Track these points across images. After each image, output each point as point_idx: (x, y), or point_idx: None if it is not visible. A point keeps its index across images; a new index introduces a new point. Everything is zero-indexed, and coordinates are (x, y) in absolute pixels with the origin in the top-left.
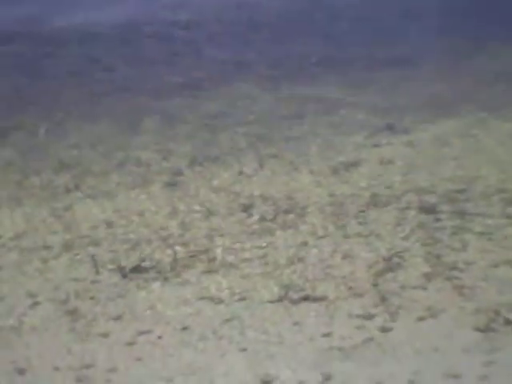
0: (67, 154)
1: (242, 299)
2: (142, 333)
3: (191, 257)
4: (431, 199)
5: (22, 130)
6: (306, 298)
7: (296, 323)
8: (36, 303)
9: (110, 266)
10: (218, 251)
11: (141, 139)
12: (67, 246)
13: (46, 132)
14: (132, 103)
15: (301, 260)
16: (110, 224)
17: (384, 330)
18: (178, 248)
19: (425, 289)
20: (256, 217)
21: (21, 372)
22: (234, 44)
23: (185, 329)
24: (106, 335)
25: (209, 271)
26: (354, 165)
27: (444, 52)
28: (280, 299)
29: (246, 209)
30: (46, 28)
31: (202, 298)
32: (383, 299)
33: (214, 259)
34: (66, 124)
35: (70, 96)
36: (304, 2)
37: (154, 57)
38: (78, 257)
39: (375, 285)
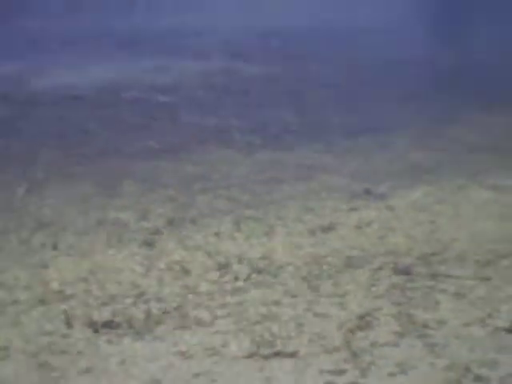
0: (45, 213)
1: (214, 354)
2: None
3: (164, 313)
4: (406, 261)
5: (1, 189)
6: (277, 354)
7: (267, 378)
8: (7, 356)
9: (82, 321)
10: (191, 308)
11: (119, 201)
12: (40, 301)
13: (25, 192)
14: (110, 166)
15: (273, 318)
16: (84, 280)
17: None
18: (151, 304)
19: (396, 346)
20: (230, 276)
21: None
22: (213, 109)
23: (155, 383)
24: None
25: (181, 327)
26: (330, 227)
27: (419, 120)
28: (251, 355)
29: (221, 268)
30: (24, 89)
31: (174, 354)
32: (354, 355)
33: (186, 316)
34: (45, 184)
35: (48, 157)
36: (284, 70)
37: (133, 121)
38: (51, 311)
39: (347, 342)
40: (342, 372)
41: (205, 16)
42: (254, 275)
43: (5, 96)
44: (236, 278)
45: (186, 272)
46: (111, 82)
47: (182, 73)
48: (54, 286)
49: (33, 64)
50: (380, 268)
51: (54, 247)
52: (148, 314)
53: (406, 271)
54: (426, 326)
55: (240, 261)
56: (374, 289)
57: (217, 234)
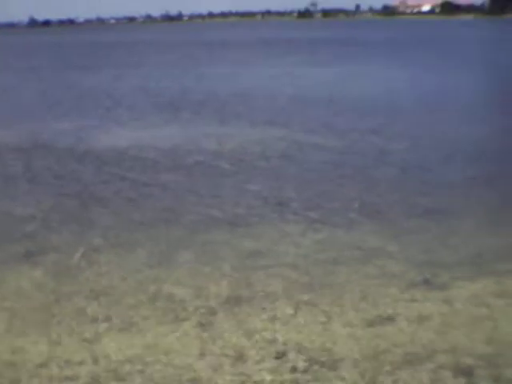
0: (100, 282)
1: None
2: None
3: None
4: (467, 361)
5: (57, 252)
6: None
7: None
8: None
9: None
10: None
11: (175, 273)
12: (93, 379)
13: (81, 256)
14: (169, 234)
15: None
16: (137, 360)
17: None
18: None
19: None
20: (288, 366)
21: None
22: (276, 180)
23: None
24: None
25: None
26: (389, 319)
27: (486, 203)
28: None
29: (278, 356)
30: (84, 146)
31: None
32: None
33: None
34: (102, 250)
35: (106, 221)
36: (349, 144)
37: (194, 187)
38: None
39: None
40: None
41: (265, 82)
42: (311, 367)
43: (65, 152)
44: (294, 369)
45: (242, 358)
46: (172, 144)
47: (247, 139)
48: (107, 364)
49: (90, 121)
50: (440, 367)
51: (108, 320)
52: None
53: (467, 372)
54: None
55: (298, 350)
56: None
57: (274, 319)
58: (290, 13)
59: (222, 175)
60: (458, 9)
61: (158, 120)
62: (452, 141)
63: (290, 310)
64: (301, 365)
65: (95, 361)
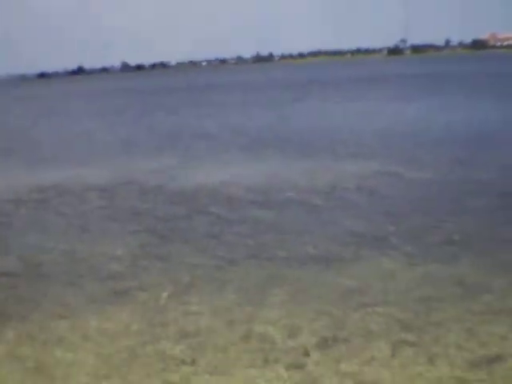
0: (187, 323)
1: None
2: None
3: None
4: None
5: (146, 291)
6: None
7: None
8: None
9: None
10: None
11: (268, 312)
12: None
13: (169, 296)
14: (263, 271)
15: None
16: None
17: None
18: None
19: None
20: None
21: None
22: (372, 215)
23: None
24: None
25: None
26: (496, 359)
27: None
28: None
29: None
30: (180, 185)
31: None
32: None
33: None
34: (191, 288)
35: (196, 259)
36: (437, 180)
37: (287, 224)
38: None
39: None
40: None
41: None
42: None
43: (155, 191)
44: None
45: None
46: (263, 182)
47: (336, 175)
48: None
49: (178, 159)
50: None
51: (193, 363)
52: None
53: None
54: None
55: None
56: None
57: (371, 360)
58: (380, 50)
59: (315, 211)
60: None
61: (244, 157)
62: None
63: (389, 351)
64: None
65: None
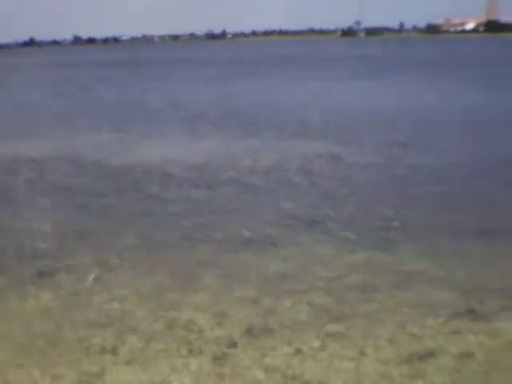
0: (111, 308)
1: None
2: None
3: None
4: None
5: (72, 272)
6: None
7: None
8: None
9: None
10: None
11: (196, 298)
12: None
13: (96, 278)
14: (194, 255)
15: None
16: None
17: None
18: None
19: None
20: None
21: None
22: (311, 198)
23: None
24: None
25: None
26: (429, 355)
27: None
28: None
29: None
30: (115, 161)
31: None
32: None
33: None
34: (119, 271)
35: (127, 240)
36: (388, 160)
37: (226, 205)
38: None
39: None
40: None
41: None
42: None
43: (89, 167)
44: None
45: None
46: (203, 160)
47: (281, 155)
48: None
49: (118, 134)
50: None
51: (114, 352)
52: None
53: None
54: None
55: None
56: None
57: (299, 353)
58: (334, 31)
59: (254, 192)
60: (503, 27)
61: (185, 134)
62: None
63: (317, 344)
64: None
65: None
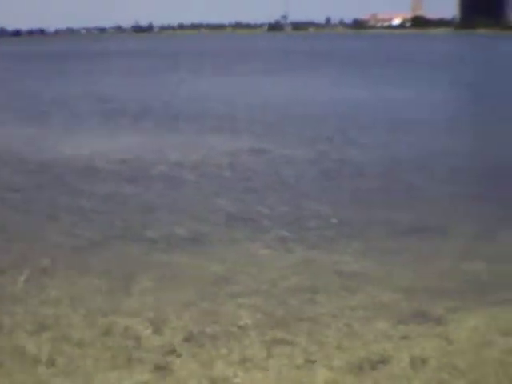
0: (45, 313)
1: None
2: None
3: None
4: None
5: (1, 274)
6: None
7: None
8: None
9: None
10: None
11: (132, 303)
12: None
13: (25, 280)
14: (127, 254)
15: None
16: None
17: None
18: None
19: None
20: None
21: None
22: (244, 194)
23: None
24: None
25: None
26: (380, 362)
27: (477, 221)
28: None
29: None
30: (40, 155)
31: None
32: None
33: None
34: (50, 272)
35: (56, 238)
36: (319, 154)
37: (157, 201)
38: None
39: None
40: None
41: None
42: None
43: (18, 162)
44: None
45: None
46: (133, 155)
47: (209, 150)
48: None
49: (38, 128)
50: None
51: (52, 363)
52: None
53: None
54: None
55: None
56: None
57: (244, 361)
58: (261, 25)
59: (186, 187)
60: (428, 23)
61: (112, 128)
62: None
63: (262, 351)
64: None
65: None
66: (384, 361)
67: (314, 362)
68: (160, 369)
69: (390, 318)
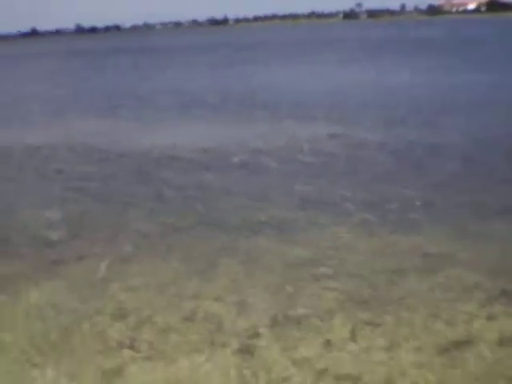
0: (126, 299)
1: None
2: None
3: None
4: None
5: (84, 261)
6: None
7: None
8: None
9: None
10: None
11: (215, 286)
12: None
13: (108, 267)
14: (209, 240)
15: None
16: None
17: None
18: None
19: None
20: None
21: None
22: (327, 179)
23: None
24: None
25: None
26: (466, 343)
27: None
28: None
29: None
30: (126, 148)
31: None
32: None
33: None
34: (133, 259)
35: (139, 226)
36: (395, 143)
37: (239, 188)
38: None
39: None
40: None
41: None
42: None
43: (100, 154)
44: None
45: None
46: (213, 144)
47: (288, 137)
48: None
49: (121, 121)
50: None
51: (132, 346)
52: None
53: None
54: None
55: None
56: None
57: (328, 344)
58: (335, 14)
59: (269, 175)
60: (504, 7)
61: (191, 119)
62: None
63: (347, 333)
64: None
65: None
66: (470, 341)
67: (399, 344)
68: (244, 352)
69: (476, 299)
